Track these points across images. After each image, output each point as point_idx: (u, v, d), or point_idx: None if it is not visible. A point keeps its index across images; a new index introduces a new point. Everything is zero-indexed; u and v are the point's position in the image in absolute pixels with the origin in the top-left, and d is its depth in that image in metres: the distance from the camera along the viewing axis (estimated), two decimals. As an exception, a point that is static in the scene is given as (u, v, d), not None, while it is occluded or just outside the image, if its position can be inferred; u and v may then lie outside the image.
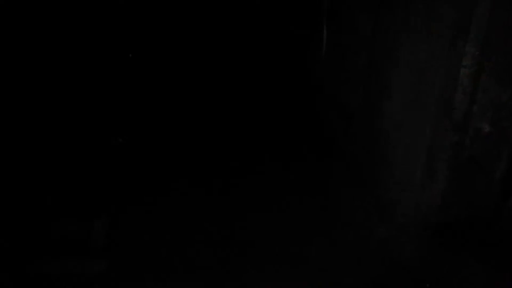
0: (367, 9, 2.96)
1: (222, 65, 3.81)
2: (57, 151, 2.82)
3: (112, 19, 3.02)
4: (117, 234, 2.50)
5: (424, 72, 2.28)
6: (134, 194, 2.83)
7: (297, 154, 3.41)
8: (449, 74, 2.10)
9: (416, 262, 2.31)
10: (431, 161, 2.21)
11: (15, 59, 2.88)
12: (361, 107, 2.95)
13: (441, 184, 2.20)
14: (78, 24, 3.00)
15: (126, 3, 3.07)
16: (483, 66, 2.02)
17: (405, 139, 2.43)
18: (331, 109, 3.53)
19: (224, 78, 3.86)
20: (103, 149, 3.00)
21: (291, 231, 2.66)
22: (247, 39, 3.63)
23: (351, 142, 3.04)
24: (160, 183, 2.98)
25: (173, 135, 3.57)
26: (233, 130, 3.67)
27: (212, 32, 3.61)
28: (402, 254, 2.38)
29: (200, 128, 3.71)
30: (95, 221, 2.49)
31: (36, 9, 2.80)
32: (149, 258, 2.40)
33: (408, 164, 2.39)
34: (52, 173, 2.70)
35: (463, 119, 2.09)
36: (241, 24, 3.43)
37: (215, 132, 3.68)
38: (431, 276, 2.24)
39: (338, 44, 3.53)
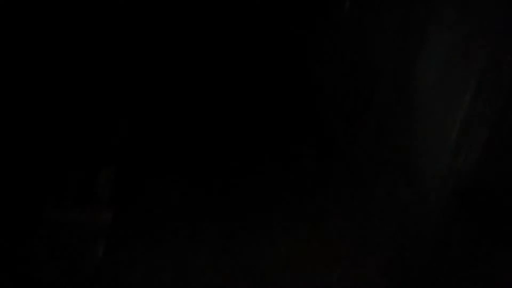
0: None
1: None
2: (62, 95, 2.78)
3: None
4: (123, 185, 2.50)
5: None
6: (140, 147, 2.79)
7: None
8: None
9: (441, 230, 2.30)
10: (469, 125, 2.20)
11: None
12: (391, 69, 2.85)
13: (475, 150, 2.19)
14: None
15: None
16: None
17: (440, 102, 2.39)
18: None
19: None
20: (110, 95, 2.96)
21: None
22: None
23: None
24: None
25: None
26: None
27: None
28: (428, 222, 2.35)
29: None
30: (101, 169, 2.49)
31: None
32: (155, 214, 2.39)
33: (442, 128, 2.35)
34: (56, 119, 2.66)
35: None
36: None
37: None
38: (455, 245, 2.24)
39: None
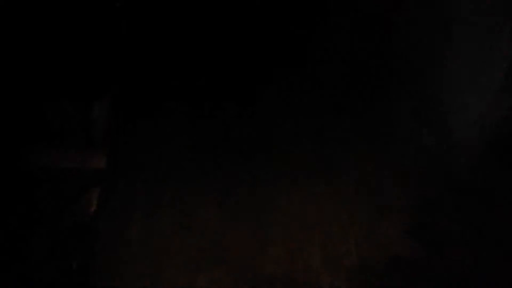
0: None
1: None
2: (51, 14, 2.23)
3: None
4: (118, 122, 2.24)
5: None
6: (137, 77, 2.43)
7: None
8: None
9: (470, 178, 2.19)
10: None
11: None
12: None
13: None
14: None
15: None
16: None
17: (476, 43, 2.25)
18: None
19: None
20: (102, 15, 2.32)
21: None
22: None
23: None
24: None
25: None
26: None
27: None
28: (456, 169, 2.24)
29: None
30: (95, 103, 2.20)
31: None
32: (152, 154, 2.17)
33: (477, 73, 2.24)
34: (45, 44, 2.20)
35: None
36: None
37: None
38: (484, 192, 2.14)
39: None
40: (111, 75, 2.32)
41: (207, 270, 1.87)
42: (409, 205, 2.12)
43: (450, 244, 2.03)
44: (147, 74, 2.43)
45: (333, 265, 1.95)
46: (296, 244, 1.97)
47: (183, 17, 2.56)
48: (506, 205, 2.10)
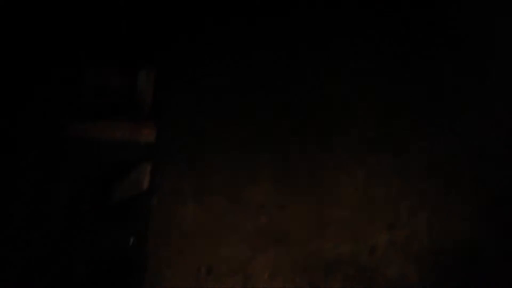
0: None
1: None
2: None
3: None
4: (165, 93, 2.05)
5: None
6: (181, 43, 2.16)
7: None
8: None
9: None
10: None
11: None
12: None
13: None
14: None
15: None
16: None
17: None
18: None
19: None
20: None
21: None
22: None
23: None
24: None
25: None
26: None
27: None
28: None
29: None
30: (140, 72, 2.08)
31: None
32: (202, 126, 1.97)
33: None
34: (87, 11, 2.13)
35: None
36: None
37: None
38: None
39: None
40: (157, 42, 2.18)
41: (262, 251, 1.75)
42: (483, 182, 1.88)
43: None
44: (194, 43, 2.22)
45: (401, 248, 1.77)
46: (359, 224, 1.80)
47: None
48: None
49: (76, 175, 1.95)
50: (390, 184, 1.87)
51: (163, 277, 1.71)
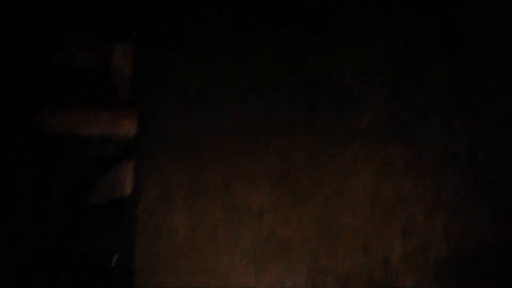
0: None
1: None
2: None
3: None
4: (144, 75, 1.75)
5: None
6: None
7: None
8: None
9: None
10: None
11: None
12: None
13: None
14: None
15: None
16: None
17: None
18: None
19: None
20: None
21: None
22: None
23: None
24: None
25: None
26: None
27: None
28: None
29: None
30: (116, 46, 1.78)
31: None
32: (190, 122, 1.70)
33: None
34: None
35: None
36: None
37: None
38: None
39: None
40: (134, 11, 1.87)
41: (263, 266, 1.56)
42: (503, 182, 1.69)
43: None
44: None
45: (417, 257, 1.60)
46: (371, 233, 1.61)
47: None
48: None
49: (41, 174, 1.70)
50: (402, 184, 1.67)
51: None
